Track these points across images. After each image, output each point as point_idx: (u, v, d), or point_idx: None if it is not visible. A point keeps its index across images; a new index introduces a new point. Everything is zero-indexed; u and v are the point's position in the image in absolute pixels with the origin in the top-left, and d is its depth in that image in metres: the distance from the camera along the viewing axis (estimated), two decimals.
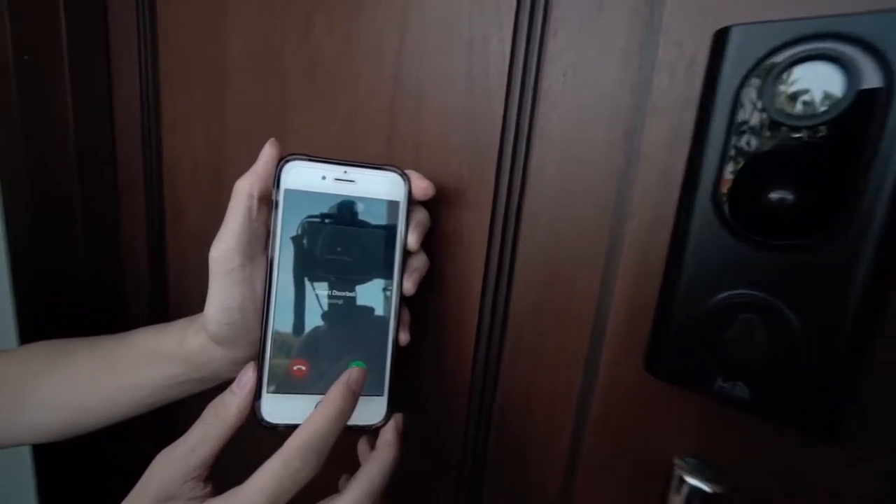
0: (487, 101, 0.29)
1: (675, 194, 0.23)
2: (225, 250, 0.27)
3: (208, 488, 0.26)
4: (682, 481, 0.15)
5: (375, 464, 0.27)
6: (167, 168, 0.59)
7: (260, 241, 0.28)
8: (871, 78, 0.15)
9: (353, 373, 0.27)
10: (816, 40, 0.16)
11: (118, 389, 0.34)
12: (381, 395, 0.30)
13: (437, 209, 0.32)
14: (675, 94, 0.23)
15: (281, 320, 0.28)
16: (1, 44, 0.59)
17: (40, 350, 0.37)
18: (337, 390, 0.26)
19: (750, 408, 0.19)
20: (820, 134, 0.16)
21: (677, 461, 0.16)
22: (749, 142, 0.18)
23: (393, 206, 0.29)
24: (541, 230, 0.29)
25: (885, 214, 0.16)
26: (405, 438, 0.29)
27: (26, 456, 0.63)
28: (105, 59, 0.65)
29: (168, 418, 0.58)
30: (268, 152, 0.27)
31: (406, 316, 0.30)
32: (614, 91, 0.25)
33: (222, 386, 0.29)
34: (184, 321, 0.33)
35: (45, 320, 0.61)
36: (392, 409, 0.30)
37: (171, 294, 0.58)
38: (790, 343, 0.17)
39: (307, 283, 0.28)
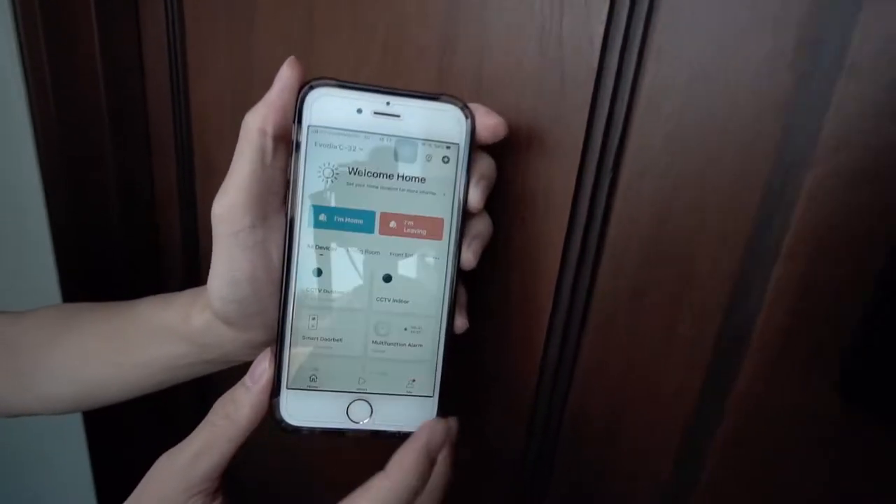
0: (584, 5, 0.21)
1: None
2: (230, 206, 0.21)
3: (220, 496, 0.22)
4: None
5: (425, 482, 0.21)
6: (196, 119, 0.54)
7: (276, 194, 0.21)
8: None
9: (434, 430, 0.21)
10: None
11: (125, 367, 0.30)
12: (430, 395, 0.23)
13: (506, 158, 0.24)
14: None
15: (303, 297, 0.22)
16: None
17: (51, 317, 0.34)
18: (410, 458, 0.20)
19: None
20: None
21: None
22: None
23: (450, 150, 0.22)
24: (649, 188, 0.21)
25: None
26: (455, 452, 0.23)
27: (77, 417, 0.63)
28: (133, 6, 0.59)
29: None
30: (286, 75, 0.20)
31: (463, 296, 0.23)
32: None
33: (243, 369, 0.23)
34: (191, 292, 0.28)
35: (84, 273, 0.59)
36: (444, 413, 0.23)
37: (202, 248, 0.55)
38: None
39: (336, 251, 0.22)
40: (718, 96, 0.19)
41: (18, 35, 0.56)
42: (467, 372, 0.28)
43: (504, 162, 0.25)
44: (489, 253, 0.24)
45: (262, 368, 0.21)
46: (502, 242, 0.26)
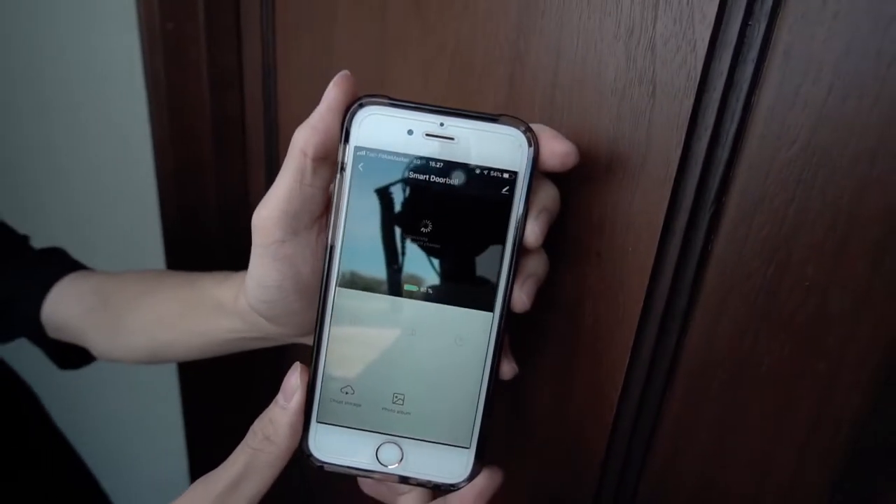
0: (681, 10, 0.17)
1: None
2: (265, 219, 0.21)
3: None
4: None
5: None
6: (283, 135, 0.58)
7: (310, 211, 0.21)
8: None
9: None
10: None
11: (191, 333, 0.34)
12: (466, 446, 0.21)
13: (581, 184, 0.21)
14: None
15: (339, 330, 0.21)
16: (150, 11, 0.63)
17: (140, 279, 0.40)
18: None
19: None
20: None
21: None
22: None
23: (508, 178, 0.19)
24: (761, 232, 0.17)
25: None
26: None
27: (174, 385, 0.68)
28: (235, 26, 0.66)
29: None
30: (332, 94, 0.19)
31: (505, 339, 0.21)
32: None
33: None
34: (242, 275, 0.29)
35: (186, 259, 0.66)
36: (480, 466, 0.21)
37: None
38: None
39: (376, 283, 0.20)
40: (867, 112, 0.15)
41: (143, 53, 0.64)
42: (521, 430, 0.25)
43: (578, 189, 0.21)
44: (556, 295, 0.21)
45: (292, 385, 0.21)
46: (573, 282, 0.22)
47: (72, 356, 0.41)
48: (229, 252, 0.70)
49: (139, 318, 0.37)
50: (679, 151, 0.18)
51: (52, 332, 0.39)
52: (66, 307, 0.38)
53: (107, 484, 0.53)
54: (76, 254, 0.44)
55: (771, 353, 0.18)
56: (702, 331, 0.19)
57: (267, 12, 0.56)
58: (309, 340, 0.26)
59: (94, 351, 0.39)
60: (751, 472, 0.18)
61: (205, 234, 0.73)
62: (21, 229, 0.45)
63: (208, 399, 0.73)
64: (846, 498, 0.16)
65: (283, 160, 0.58)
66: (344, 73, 0.20)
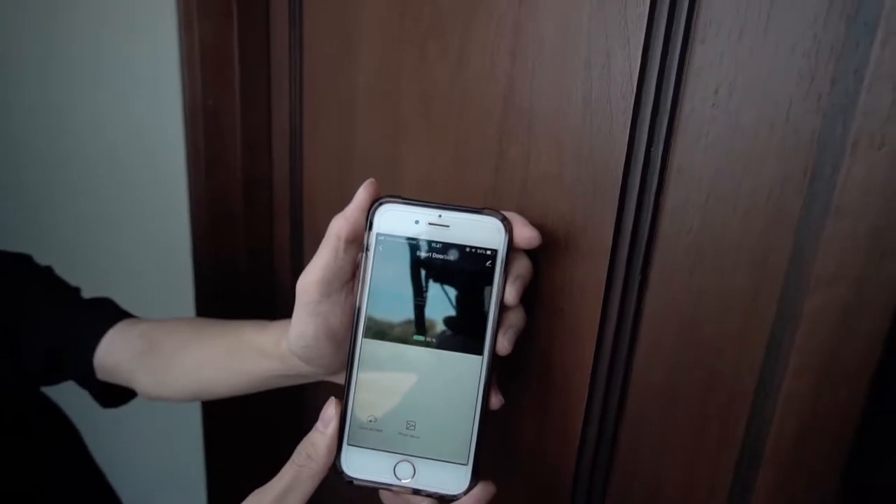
0: (609, 131, 0.25)
1: (888, 265, 0.16)
2: (307, 283, 0.27)
3: None
4: None
5: None
6: (306, 190, 0.66)
7: (341, 279, 0.28)
8: None
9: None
10: None
11: (234, 373, 0.39)
12: (465, 463, 0.27)
13: (544, 256, 0.28)
14: (894, 118, 0.15)
15: (365, 372, 0.27)
16: (193, 93, 0.73)
17: (186, 326, 0.45)
18: None
19: None
20: None
21: None
22: None
23: (490, 254, 0.26)
24: (676, 294, 0.23)
25: None
26: None
27: (196, 422, 0.75)
28: (266, 100, 0.75)
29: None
30: (361, 196, 0.27)
31: (493, 377, 0.27)
32: (793, 113, 0.19)
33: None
34: (283, 323, 0.36)
35: (215, 305, 0.74)
36: (477, 480, 0.27)
37: None
38: None
39: (393, 334, 0.27)
40: (734, 214, 0.21)
41: (186, 125, 0.74)
42: (503, 451, 0.31)
43: (546, 259, 0.28)
44: (531, 340, 0.27)
45: (329, 415, 0.27)
46: (543, 330, 0.29)
47: (114, 396, 0.46)
48: (255, 299, 0.77)
49: (186, 360, 0.42)
50: (612, 236, 0.25)
51: (101, 375, 0.43)
52: (117, 352, 0.43)
53: None
54: (118, 300, 0.50)
55: (688, 383, 0.24)
56: (642, 369, 0.26)
57: (295, 90, 0.65)
58: (335, 378, 0.32)
59: (141, 391, 0.44)
60: (683, 473, 0.24)
61: (233, 283, 0.80)
62: (69, 279, 0.50)
63: (231, 450, 0.77)
64: (742, 488, 0.22)
65: (306, 216, 0.67)
66: (370, 180, 0.27)
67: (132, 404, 0.49)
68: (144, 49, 0.74)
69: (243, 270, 0.82)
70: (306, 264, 0.72)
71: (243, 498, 0.27)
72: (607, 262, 0.25)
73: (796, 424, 0.18)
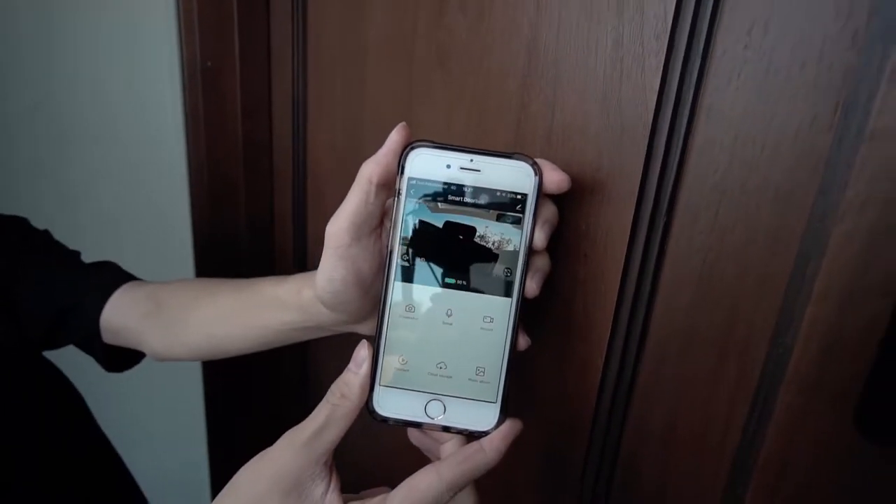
0: (640, 75, 0.25)
1: None
2: (338, 228, 0.28)
3: (333, 476, 0.27)
4: None
5: (460, 465, 0.25)
6: (311, 155, 0.66)
7: (370, 224, 0.28)
8: None
9: (481, 454, 0.26)
10: None
11: (249, 328, 0.39)
12: (493, 401, 0.28)
13: (570, 202, 0.29)
14: None
15: (397, 314, 0.28)
16: (191, 53, 0.72)
17: (194, 284, 0.46)
18: (459, 469, 0.26)
19: None
20: None
21: None
22: None
23: (520, 198, 0.27)
24: (700, 235, 0.24)
25: None
26: (513, 448, 0.27)
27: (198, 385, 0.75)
28: (266, 61, 0.74)
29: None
30: (393, 139, 0.27)
31: (520, 319, 0.28)
32: (826, 50, 0.19)
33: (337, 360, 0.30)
34: (302, 275, 0.36)
35: (214, 271, 0.74)
36: (504, 417, 0.28)
37: (309, 262, 0.65)
38: None
39: (424, 277, 0.28)
40: (761, 153, 0.22)
41: (184, 87, 0.73)
42: (528, 388, 0.33)
43: (570, 205, 0.29)
44: (555, 284, 0.28)
45: (362, 356, 0.27)
46: (568, 275, 0.30)
47: (120, 360, 0.46)
48: (255, 265, 0.77)
49: (199, 317, 0.42)
50: (639, 180, 0.25)
51: (107, 338, 0.43)
52: (124, 313, 0.43)
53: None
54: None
55: (708, 322, 0.25)
56: (662, 310, 0.27)
57: (298, 49, 0.63)
58: (358, 328, 0.33)
59: (150, 352, 0.44)
60: (699, 411, 0.26)
61: (233, 249, 0.80)
62: (67, 244, 0.49)
63: (231, 410, 0.79)
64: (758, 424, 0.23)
65: (309, 182, 0.68)
66: (402, 123, 0.27)
67: (136, 371, 0.49)
68: (143, 10, 0.72)
69: (243, 236, 0.82)
70: (310, 231, 0.73)
71: (244, 458, 0.28)
72: (633, 206, 0.26)
73: (818, 348, 0.20)
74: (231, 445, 0.82)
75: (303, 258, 0.66)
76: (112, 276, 0.46)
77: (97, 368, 0.48)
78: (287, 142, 0.72)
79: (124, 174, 0.83)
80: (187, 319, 0.42)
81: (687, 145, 0.24)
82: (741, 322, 0.23)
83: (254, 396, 0.77)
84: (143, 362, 0.49)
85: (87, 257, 0.50)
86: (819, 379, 0.20)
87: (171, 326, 0.43)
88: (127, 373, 0.50)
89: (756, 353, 0.23)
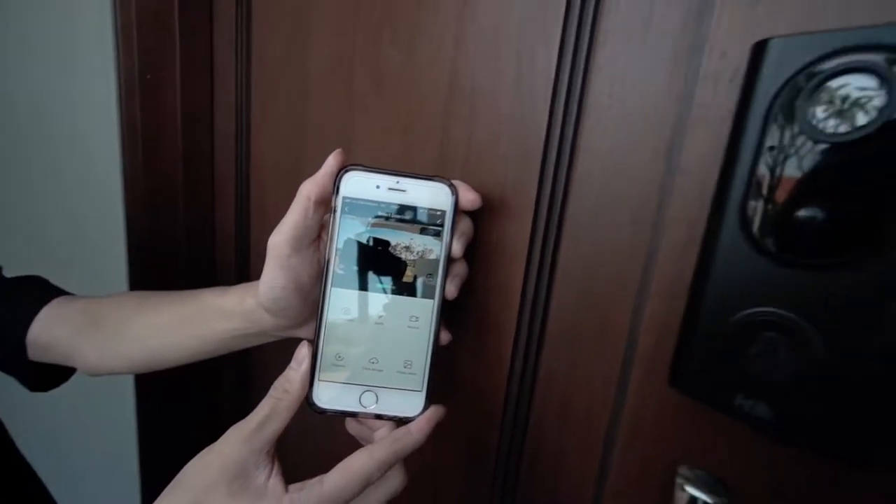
0: (533, 112, 0.31)
1: (709, 212, 0.23)
2: (279, 240, 0.32)
3: (275, 465, 0.30)
4: (683, 490, 0.16)
5: (389, 446, 0.29)
6: (254, 167, 0.68)
7: (309, 236, 0.32)
8: None
9: (409, 436, 0.30)
10: (857, 52, 0.16)
11: (190, 337, 0.41)
12: (419, 390, 0.32)
13: (482, 216, 0.34)
14: (717, 105, 0.23)
15: (334, 316, 0.32)
16: (129, 65, 0.72)
17: (132, 298, 0.46)
18: (393, 449, 0.30)
19: (770, 427, 0.18)
20: (855, 151, 0.16)
21: (681, 470, 0.16)
22: (780, 158, 0.18)
23: (440, 214, 0.31)
24: (581, 244, 0.30)
25: None
26: (436, 431, 0.31)
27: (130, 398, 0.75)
28: (209, 75, 0.76)
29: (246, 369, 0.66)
30: (330, 163, 0.31)
31: (441, 317, 0.33)
32: (659, 102, 0.26)
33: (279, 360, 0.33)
34: (244, 285, 0.39)
35: (150, 282, 0.73)
36: (429, 404, 0.32)
37: (251, 272, 0.67)
38: (815, 364, 0.17)
39: (358, 283, 0.32)
40: (620, 182, 0.28)
41: (120, 100, 0.73)
42: (450, 378, 0.38)
43: (483, 220, 0.34)
44: (470, 287, 0.33)
45: (302, 354, 0.31)
46: (482, 280, 0.35)
47: (46, 378, 0.45)
48: (195, 272, 0.77)
49: (138, 329, 0.43)
50: (534, 200, 0.31)
51: (34, 355, 0.43)
52: (55, 329, 0.42)
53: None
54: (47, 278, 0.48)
55: (589, 318, 0.31)
56: (556, 309, 0.33)
57: (241, 66, 0.66)
58: (298, 332, 0.37)
59: (83, 366, 0.44)
60: (585, 387, 0.31)
61: (172, 259, 0.80)
62: None
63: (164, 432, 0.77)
64: (624, 376, 0.29)
65: (253, 192, 0.70)
66: (339, 149, 0.31)
67: (62, 395, 0.47)
68: (79, 24, 0.72)
69: (183, 247, 0.82)
70: (252, 240, 0.75)
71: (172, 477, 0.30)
72: (531, 221, 0.32)
73: (657, 326, 0.26)
74: (164, 478, 0.80)
75: (245, 268, 0.67)
76: (40, 292, 0.46)
77: (20, 393, 0.47)
78: (230, 154, 0.73)
79: (54, 185, 0.81)
80: (127, 332, 0.43)
81: (570, 174, 0.30)
82: (610, 319, 0.29)
83: (190, 433, 0.76)
84: (73, 387, 0.48)
85: (17, 267, 0.49)
86: (654, 360, 0.26)
87: (109, 340, 0.44)
88: (53, 398, 0.49)
89: (619, 342, 0.29)
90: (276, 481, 0.29)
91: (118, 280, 0.76)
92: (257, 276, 0.48)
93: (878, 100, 0.16)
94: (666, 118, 0.26)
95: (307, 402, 0.31)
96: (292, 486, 0.29)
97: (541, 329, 0.33)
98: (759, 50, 0.19)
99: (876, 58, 0.15)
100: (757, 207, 0.18)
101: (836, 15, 0.19)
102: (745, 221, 0.19)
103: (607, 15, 0.28)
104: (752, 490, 0.22)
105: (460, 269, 0.33)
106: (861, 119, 0.16)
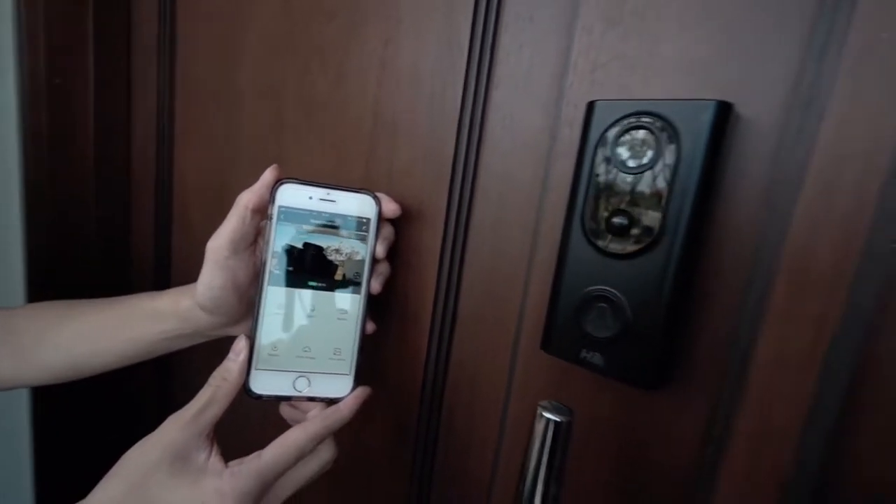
0: (443, 139, 0.38)
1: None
2: (218, 244, 0.36)
3: (214, 446, 0.34)
4: (542, 416, 0.23)
5: (321, 421, 0.35)
6: (177, 178, 0.69)
7: (246, 240, 0.37)
8: (671, 141, 0.24)
9: (338, 413, 0.36)
10: (642, 115, 0.25)
11: (120, 340, 0.43)
12: (348, 374, 0.38)
13: (402, 224, 0.41)
14: (572, 142, 0.32)
15: (270, 311, 0.36)
16: (34, 67, 0.70)
17: (50, 306, 0.47)
18: (322, 425, 0.35)
19: (601, 370, 0.27)
20: (642, 179, 0.25)
21: (541, 403, 0.24)
22: (602, 181, 0.26)
23: (366, 222, 0.37)
24: (483, 246, 0.38)
25: (684, 233, 0.24)
26: (363, 409, 0.37)
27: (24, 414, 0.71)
28: (126, 82, 0.75)
29: (168, 379, 0.66)
30: (267, 176, 0.36)
31: (367, 310, 0.39)
32: (537, 136, 0.34)
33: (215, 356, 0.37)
34: (178, 288, 0.43)
35: (56, 295, 0.71)
36: (357, 385, 0.38)
37: (172, 279, 0.67)
38: (627, 324, 0.25)
39: (292, 282, 0.37)
40: (512, 200, 0.36)
41: (21, 96, 0.70)
42: (375, 363, 0.43)
43: (402, 227, 0.41)
44: (392, 284, 0.39)
45: (240, 346, 0.36)
46: (400, 277, 0.41)
47: None
48: (109, 279, 0.75)
49: (61, 337, 0.44)
50: (444, 210, 0.38)
51: None
52: None
53: None
54: None
55: (490, 309, 0.38)
56: (464, 301, 0.40)
57: (164, 78, 0.67)
58: (233, 330, 0.40)
59: None
60: (492, 366, 0.39)
61: (82, 267, 0.77)
62: None
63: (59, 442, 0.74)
64: (513, 361, 0.37)
65: (175, 204, 0.72)
66: (275, 165, 0.37)
67: None
68: None
69: (95, 256, 0.80)
70: (175, 251, 0.75)
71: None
72: (443, 228, 0.39)
73: (537, 312, 0.34)
74: None
75: (165, 278, 0.68)
76: None
77: None
78: (149, 164, 0.73)
79: None
80: (48, 341, 0.45)
81: (473, 190, 0.38)
82: (505, 307, 0.37)
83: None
84: None
85: None
86: (535, 333, 0.34)
87: (26, 350, 0.45)
88: None
89: (511, 324, 0.36)
90: (216, 459, 0.33)
91: (13, 293, 0.72)
92: (178, 282, 0.51)
93: (651, 147, 0.24)
94: (541, 149, 0.34)
95: (244, 389, 0.36)
96: (231, 463, 0.33)
97: (452, 319, 0.40)
98: (589, 107, 0.27)
99: (650, 120, 0.24)
100: (589, 215, 0.27)
101: (639, 89, 0.28)
102: (583, 226, 0.27)
103: (500, 64, 0.36)
104: (588, 410, 0.31)
105: (383, 268, 0.39)
106: (644, 159, 0.25)
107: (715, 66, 0.25)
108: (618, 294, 0.26)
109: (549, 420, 0.23)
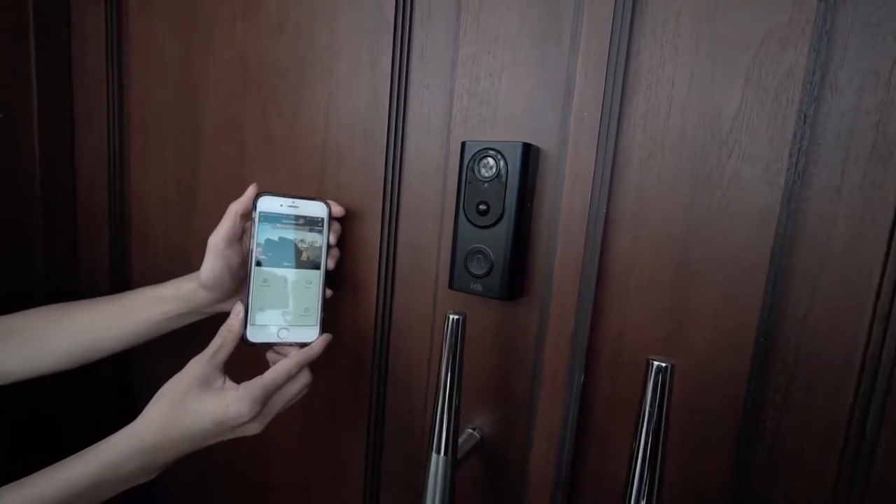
0: (376, 164, 0.60)
1: None
2: (217, 239, 0.60)
3: (226, 376, 0.54)
4: (449, 317, 0.43)
5: (299, 355, 0.53)
6: (135, 205, 0.80)
7: (237, 236, 0.61)
8: (504, 163, 0.46)
9: (311, 350, 0.55)
10: (491, 150, 0.47)
11: (128, 324, 0.62)
12: (315, 325, 0.56)
13: (349, 222, 0.60)
14: (456, 164, 0.53)
15: (257, 284, 0.53)
16: None
17: (49, 308, 0.62)
18: (294, 361, 0.54)
19: (481, 293, 0.48)
20: (491, 184, 0.47)
21: (448, 312, 0.44)
22: (472, 187, 0.48)
23: (321, 220, 0.56)
24: (408, 234, 0.61)
25: (513, 211, 0.46)
26: (327, 351, 0.55)
27: None
28: (69, 114, 0.86)
29: (128, 402, 0.77)
30: (250, 191, 0.55)
31: (326, 280, 0.58)
32: (437, 161, 0.56)
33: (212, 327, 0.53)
34: (176, 279, 0.64)
35: None
36: (322, 332, 0.56)
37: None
38: (492, 264, 0.47)
39: (271, 263, 0.54)
40: (430, 206, 0.57)
41: None
42: (335, 322, 0.61)
43: (349, 224, 0.60)
44: (343, 264, 0.58)
45: (238, 309, 0.60)
46: (350, 258, 0.61)
47: None
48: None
49: (71, 327, 0.60)
50: (380, 213, 0.58)
51: None
52: None
53: None
54: None
55: (418, 275, 0.58)
56: (399, 271, 0.60)
57: (114, 114, 0.80)
58: (224, 306, 0.57)
59: (2, 373, 0.59)
60: (418, 313, 0.58)
61: (28, 297, 0.85)
62: None
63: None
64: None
65: (135, 229, 0.87)
66: (254, 184, 0.54)
67: None
68: None
69: (41, 284, 0.87)
70: (135, 271, 0.88)
71: None
72: (379, 224, 0.59)
73: (446, 272, 0.54)
74: None
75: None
76: None
77: None
78: (100, 194, 0.84)
79: None
80: (57, 332, 0.63)
81: (399, 197, 0.58)
82: (426, 271, 0.58)
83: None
84: None
85: None
86: (446, 282, 0.55)
87: (35, 343, 0.61)
88: None
89: (431, 280, 0.57)
90: (230, 383, 0.50)
91: None
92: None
93: (495, 167, 0.46)
94: (439, 168, 0.56)
95: (243, 339, 0.52)
96: (241, 384, 0.49)
97: (392, 282, 0.59)
98: (463, 144, 0.51)
99: (493, 152, 0.47)
100: (467, 205, 0.48)
101: (488, 134, 0.50)
102: (465, 211, 0.49)
103: (410, 113, 0.58)
104: (479, 319, 0.53)
105: (335, 252, 0.60)
106: (492, 173, 0.46)
107: (524, 122, 0.48)
108: (486, 248, 0.48)
109: (453, 319, 0.43)
